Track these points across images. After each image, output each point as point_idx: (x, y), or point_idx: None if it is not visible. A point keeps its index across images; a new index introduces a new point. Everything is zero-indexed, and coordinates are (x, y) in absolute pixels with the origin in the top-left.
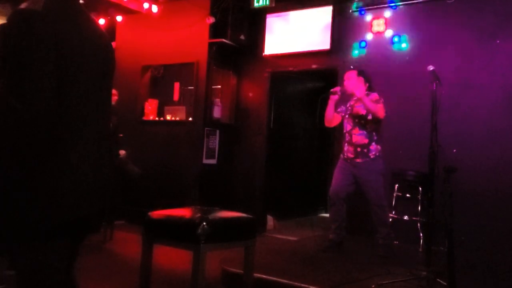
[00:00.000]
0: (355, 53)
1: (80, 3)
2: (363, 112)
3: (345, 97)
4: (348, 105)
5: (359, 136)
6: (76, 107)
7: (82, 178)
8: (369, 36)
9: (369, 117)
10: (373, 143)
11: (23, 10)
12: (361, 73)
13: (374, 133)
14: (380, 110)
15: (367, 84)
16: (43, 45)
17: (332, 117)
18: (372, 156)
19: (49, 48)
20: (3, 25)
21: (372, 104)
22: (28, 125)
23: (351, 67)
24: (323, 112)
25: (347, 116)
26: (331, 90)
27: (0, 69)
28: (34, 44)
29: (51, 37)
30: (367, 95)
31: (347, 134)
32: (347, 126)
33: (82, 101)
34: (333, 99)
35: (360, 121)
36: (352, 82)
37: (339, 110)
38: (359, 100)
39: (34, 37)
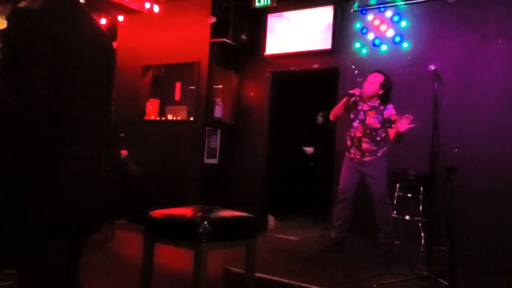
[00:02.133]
0: (356, 52)
1: (80, 2)
2: (378, 125)
3: (357, 98)
4: (359, 108)
5: (368, 144)
6: (74, 105)
7: (81, 177)
8: (370, 36)
9: (381, 130)
10: (381, 148)
11: (22, 9)
12: (386, 81)
13: (381, 140)
14: (399, 141)
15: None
16: (41, 44)
17: (341, 114)
18: (379, 154)
19: (47, 47)
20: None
21: (398, 137)
22: (26, 123)
23: (353, 69)
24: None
25: (357, 121)
26: (350, 92)
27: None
28: (32, 43)
29: (49, 36)
30: (381, 109)
31: (355, 140)
32: (357, 133)
33: (81, 100)
34: (349, 99)
35: (372, 132)
36: (374, 89)
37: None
38: (374, 111)
39: (32, 36)
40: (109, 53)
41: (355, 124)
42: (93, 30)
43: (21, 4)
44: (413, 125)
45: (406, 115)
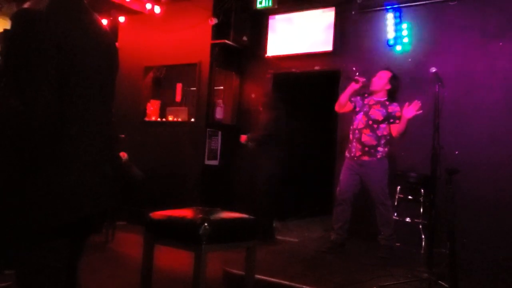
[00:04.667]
0: (358, 54)
1: (85, 3)
2: (380, 118)
3: (365, 90)
4: (365, 101)
5: (368, 137)
6: (77, 106)
7: (82, 179)
8: (372, 38)
9: (383, 125)
10: (381, 146)
11: (26, 10)
12: (393, 79)
13: (383, 137)
14: (403, 134)
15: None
16: (45, 45)
17: (345, 103)
18: (378, 156)
19: (51, 48)
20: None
21: (404, 128)
22: (29, 124)
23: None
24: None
25: (361, 113)
26: (356, 77)
27: (2, 70)
28: (36, 44)
29: (54, 37)
30: (387, 104)
31: (357, 131)
32: (359, 124)
33: (84, 101)
34: (353, 87)
35: (373, 124)
36: (382, 83)
37: (353, 99)
38: (379, 105)
39: (36, 37)
40: (113, 54)
41: (359, 116)
42: (97, 31)
43: (26, 5)
44: (420, 111)
45: (414, 102)
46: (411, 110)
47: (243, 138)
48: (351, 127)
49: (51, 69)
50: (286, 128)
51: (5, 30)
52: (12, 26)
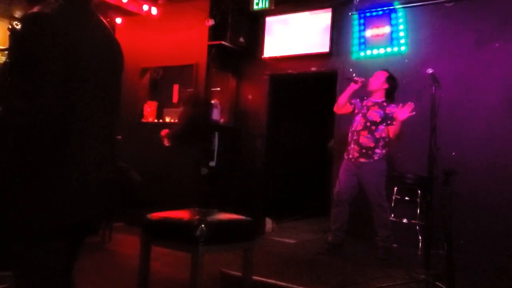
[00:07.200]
0: (354, 55)
1: (91, 6)
2: (378, 119)
3: (363, 91)
4: (364, 104)
5: (366, 139)
6: (81, 108)
7: (83, 180)
8: (368, 39)
9: (381, 126)
10: (379, 148)
11: (35, 13)
12: (390, 78)
13: (381, 139)
14: (400, 135)
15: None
16: (52, 48)
17: (344, 104)
18: (376, 158)
19: (58, 51)
20: (16, 29)
21: (399, 129)
22: (31, 125)
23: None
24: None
25: (360, 115)
26: (355, 78)
27: (9, 71)
28: (43, 46)
29: (61, 40)
30: (384, 105)
31: (355, 133)
32: (358, 126)
33: (88, 102)
34: (352, 87)
35: (371, 126)
36: (379, 82)
37: (353, 101)
38: (377, 106)
39: (43, 39)
40: (117, 57)
41: (358, 118)
42: (103, 33)
43: (35, 9)
44: (414, 113)
45: (408, 103)
46: (404, 111)
47: (163, 132)
48: (351, 129)
49: (56, 71)
50: (204, 124)
51: (14, 33)
52: (21, 28)
